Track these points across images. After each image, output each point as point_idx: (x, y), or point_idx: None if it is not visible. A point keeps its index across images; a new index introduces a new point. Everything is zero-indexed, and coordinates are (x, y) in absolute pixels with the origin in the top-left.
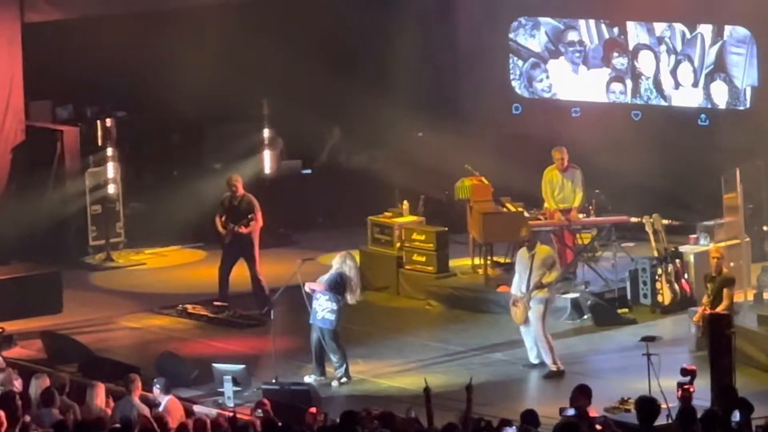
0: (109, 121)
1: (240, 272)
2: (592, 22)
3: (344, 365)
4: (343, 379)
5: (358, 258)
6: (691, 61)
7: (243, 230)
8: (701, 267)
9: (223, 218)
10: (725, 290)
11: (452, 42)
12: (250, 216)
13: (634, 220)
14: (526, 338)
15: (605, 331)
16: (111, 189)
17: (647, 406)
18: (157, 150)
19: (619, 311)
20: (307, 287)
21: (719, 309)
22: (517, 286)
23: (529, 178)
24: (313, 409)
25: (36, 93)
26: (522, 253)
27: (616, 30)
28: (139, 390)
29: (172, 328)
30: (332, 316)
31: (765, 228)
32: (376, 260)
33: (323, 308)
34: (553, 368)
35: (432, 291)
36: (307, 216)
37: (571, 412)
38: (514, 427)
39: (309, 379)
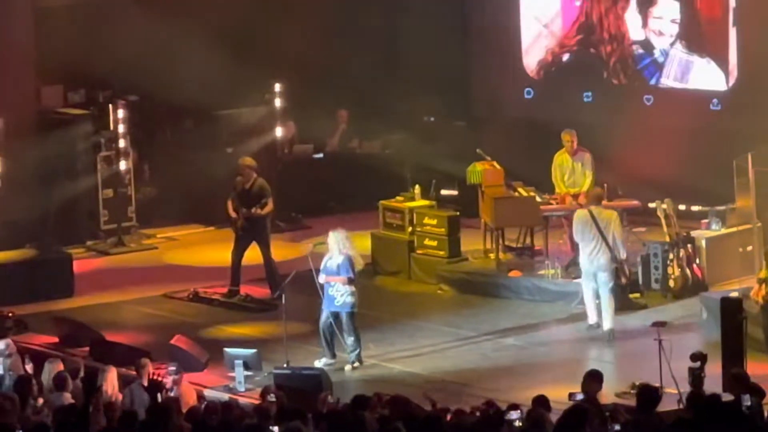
0: (121, 106)
1: (252, 256)
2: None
3: (358, 349)
4: (356, 364)
5: (369, 242)
6: None
7: (260, 212)
8: (713, 252)
9: (235, 202)
10: None
11: (464, 25)
12: (264, 201)
13: (651, 205)
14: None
15: (616, 316)
16: (123, 173)
17: (647, 393)
18: (169, 134)
19: (631, 296)
20: (322, 280)
21: None
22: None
23: (541, 163)
24: (327, 395)
25: (48, 77)
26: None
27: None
28: (149, 374)
29: (184, 312)
30: (352, 299)
31: None
32: (387, 244)
33: (341, 293)
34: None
35: (444, 275)
36: (318, 200)
37: (580, 396)
38: (520, 411)
39: (320, 363)
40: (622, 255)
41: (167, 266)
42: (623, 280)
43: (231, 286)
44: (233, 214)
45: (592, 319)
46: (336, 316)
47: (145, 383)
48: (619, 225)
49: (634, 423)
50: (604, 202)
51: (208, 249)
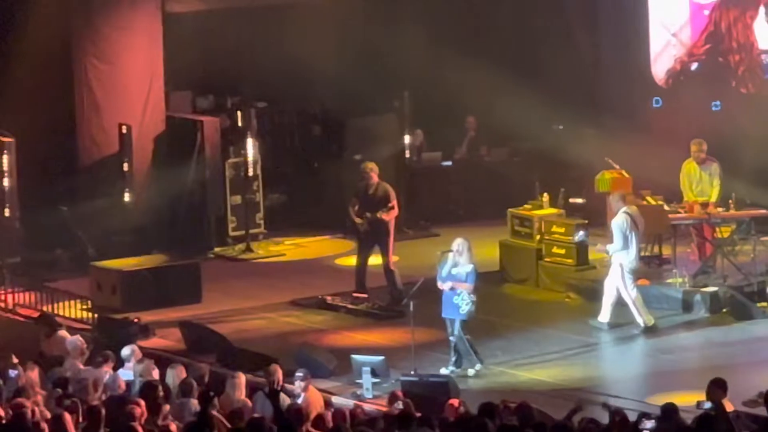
0: (249, 112)
1: (378, 262)
2: None
3: (475, 352)
4: (478, 366)
5: (497, 250)
6: None
7: (384, 217)
8: None
9: (357, 207)
10: None
11: (593, 33)
12: (390, 205)
13: None
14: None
15: (743, 325)
16: (251, 180)
17: None
18: (297, 141)
19: (758, 305)
20: (448, 287)
21: None
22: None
23: (669, 171)
24: (455, 401)
25: (177, 83)
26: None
27: None
28: (280, 381)
29: (311, 319)
30: (472, 307)
31: None
32: (515, 252)
33: (466, 302)
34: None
35: (571, 283)
36: (447, 208)
37: (707, 405)
38: (653, 421)
39: (446, 370)
40: None
41: (294, 273)
42: None
43: (356, 292)
44: (356, 219)
45: (645, 320)
46: (455, 322)
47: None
48: None
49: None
50: (731, 211)
51: (336, 256)
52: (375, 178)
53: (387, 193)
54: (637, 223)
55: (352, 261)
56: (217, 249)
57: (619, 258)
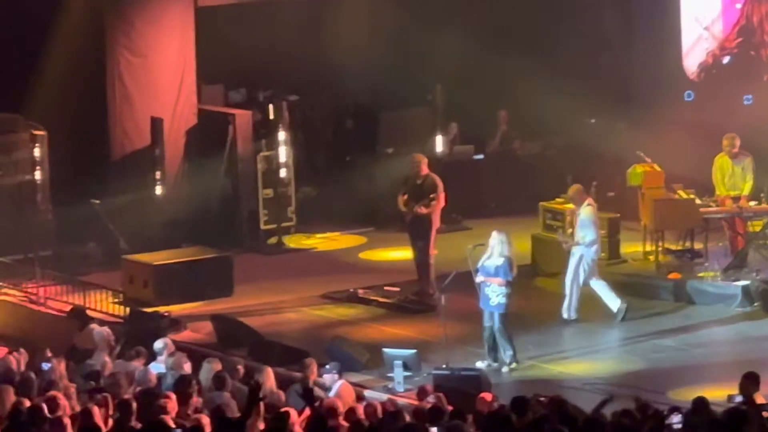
0: (281, 105)
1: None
2: None
3: (511, 351)
4: (513, 365)
5: (529, 244)
6: None
7: (422, 211)
8: None
9: (405, 197)
10: None
11: (626, 26)
12: (432, 195)
13: None
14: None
15: None
16: (283, 173)
17: None
18: (329, 134)
19: None
20: (480, 280)
21: None
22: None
23: (701, 165)
24: (488, 396)
25: (209, 77)
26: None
27: None
28: (314, 375)
29: (343, 313)
30: (505, 300)
31: None
32: (547, 246)
33: (496, 293)
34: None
35: (603, 277)
36: (479, 201)
37: (739, 398)
38: (684, 414)
39: (481, 364)
40: None
41: (326, 267)
42: None
43: (420, 287)
44: (403, 209)
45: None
46: (491, 316)
47: (311, 384)
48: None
49: None
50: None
51: (368, 249)
52: (425, 170)
53: (434, 185)
54: (597, 215)
55: (384, 255)
56: (248, 242)
57: (581, 249)
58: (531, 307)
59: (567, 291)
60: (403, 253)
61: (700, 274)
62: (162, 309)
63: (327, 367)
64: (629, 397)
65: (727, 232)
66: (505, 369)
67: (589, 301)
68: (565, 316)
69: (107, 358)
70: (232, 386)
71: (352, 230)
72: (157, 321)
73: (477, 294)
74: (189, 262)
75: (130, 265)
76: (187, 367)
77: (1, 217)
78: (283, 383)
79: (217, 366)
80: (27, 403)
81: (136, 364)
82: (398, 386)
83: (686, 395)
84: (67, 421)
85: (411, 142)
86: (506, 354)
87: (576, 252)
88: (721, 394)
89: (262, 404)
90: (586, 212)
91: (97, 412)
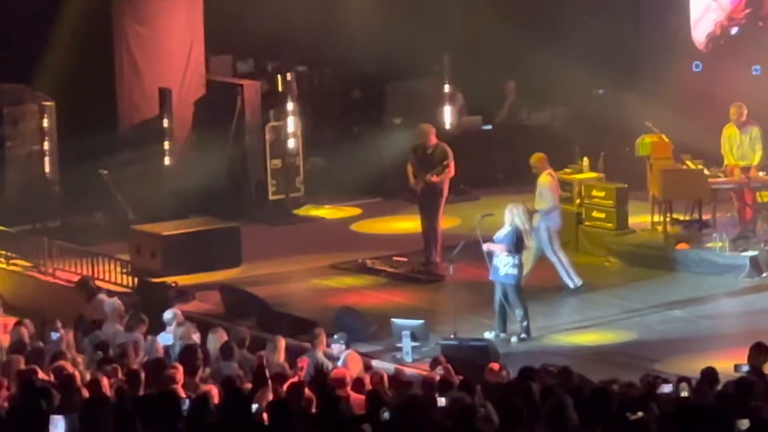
0: (289, 76)
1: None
2: None
3: (526, 321)
4: (523, 335)
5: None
6: None
7: (434, 179)
8: None
9: (414, 167)
10: None
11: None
12: (445, 162)
13: None
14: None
15: None
16: (291, 143)
17: None
18: (337, 105)
19: None
20: (485, 248)
21: None
22: None
23: (709, 136)
24: (496, 366)
25: (217, 47)
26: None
27: None
28: (323, 345)
29: (351, 283)
30: (515, 271)
31: None
32: None
33: (505, 264)
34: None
35: (611, 248)
36: (487, 172)
37: (746, 368)
38: (692, 385)
39: (490, 335)
40: None
41: (334, 237)
42: None
43: (426, 257)
44: (412, 179)
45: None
46: (502, 287)
47: (320, 354)
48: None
49: None
50: None
51: (375, 220)
52: (433, 139)
53: (445, 153)
54: (557, 185)
55: (392, 225)
56: (256, 212)
57: (545, 221)
58: (539, 277)
59: (555, 264)
60: (411, 224)
61: (708, 245)
62: (170, 279)
63: (335, 337)
64: (637, 368)
65: (735, 203)
66: (513, 339)
67: (595, 272)
68: (570, 285)
69: (120, 329)
70: (240, 355)
71: (359, 200)
72: (165, 291)
73: (485, 264)
74: (197, 232)
75: (137, 235)
76: (196, 338)
77: (10, 187)
78: (291, 353)
79: (222, 335)
80: (39, 373)
81: (137, 334)
82: (406, 356)
83: (694, 366)
84: (82, 389)
85: (418, 113)
86: (518, 324)
87: (540, 225)
88: (729, 365)
89: (268, 376)
90: (542, 181)
91: (105, 383)
